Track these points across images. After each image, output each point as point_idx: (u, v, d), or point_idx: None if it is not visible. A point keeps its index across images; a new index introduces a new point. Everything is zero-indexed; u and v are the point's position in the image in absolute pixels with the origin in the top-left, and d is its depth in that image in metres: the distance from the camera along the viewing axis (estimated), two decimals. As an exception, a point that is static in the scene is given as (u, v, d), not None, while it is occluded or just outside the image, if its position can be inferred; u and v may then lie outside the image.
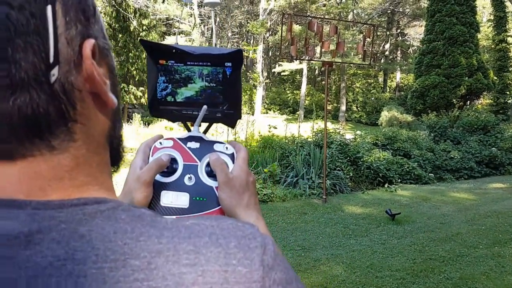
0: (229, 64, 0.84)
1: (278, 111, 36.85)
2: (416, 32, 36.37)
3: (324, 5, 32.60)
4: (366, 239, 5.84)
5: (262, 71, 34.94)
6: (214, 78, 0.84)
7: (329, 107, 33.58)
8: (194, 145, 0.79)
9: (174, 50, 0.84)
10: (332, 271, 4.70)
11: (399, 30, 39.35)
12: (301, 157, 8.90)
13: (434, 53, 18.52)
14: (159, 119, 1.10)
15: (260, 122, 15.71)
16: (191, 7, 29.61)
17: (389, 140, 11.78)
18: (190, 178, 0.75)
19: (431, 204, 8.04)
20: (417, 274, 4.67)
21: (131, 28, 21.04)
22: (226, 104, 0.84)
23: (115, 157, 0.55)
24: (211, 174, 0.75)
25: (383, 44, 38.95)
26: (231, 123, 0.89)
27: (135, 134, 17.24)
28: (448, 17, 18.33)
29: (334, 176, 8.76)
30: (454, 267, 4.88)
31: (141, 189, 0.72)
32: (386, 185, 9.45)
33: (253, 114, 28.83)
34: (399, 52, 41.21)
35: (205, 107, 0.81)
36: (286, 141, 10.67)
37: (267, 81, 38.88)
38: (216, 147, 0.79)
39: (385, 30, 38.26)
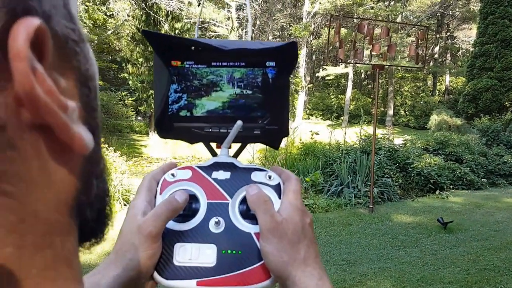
0: (272, 63, 0.64)
1: (321, 117, 36.40)
2: (465, 35, 35.20)
3: (372, 8, 32.04)
4: (417, 250, 5.61)
5: (304, 75, 34.57)
6: (251, 83, 0.65)
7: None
8: (223, 175, 0.60)
9: (193, 48, 0.65)
10: (380, 287, 4.51)
11: (448, 33, 38.21)
12: (347, 164, 8.66)
13: (487, 55, 17.96)
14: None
15: (302, 128, 15.53)
16: (229, 10, 29.56)
17: (440, 145, 11.37)
18: (217, 223, 0.55)
19: (484, 210, 7.68)
20: (471, 286, 4.45)
21: (162, 32, 19.90)
22: (267, 118, 0.65)
23: (92, 231, 0.35)
24: (247, 214, 0.56)
25: (432, 47, 37.91)
26: (274, 143, 0.69)
27: (162, 143, 16.44)
28: (501, 19, 17.74)
29: (382, 184, 8.49)
30: (511, 278, 4.63)
31: (144, 246, 0.52)
32: (437, 192, 9.09)
33: (294, 120, 28.51)
34: (448, 55, 40.05)
35: (239, 122, 0.61)
36: (330, 148, 10.38)
37: (310, 85, 38.51)
38: (255, 176, 0.59)
39: (434, 33, 37.24)
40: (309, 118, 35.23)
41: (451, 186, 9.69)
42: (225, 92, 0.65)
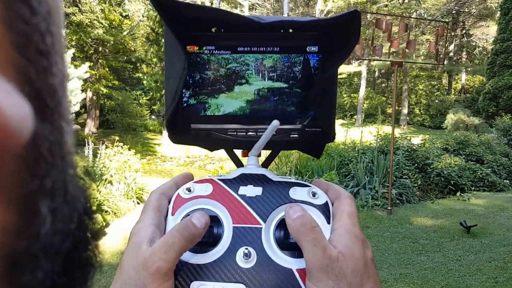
0: (314, 48, 0.52)
1: (334, 116, 36.38)
2: (483, 33, 34.82)
3: (386, 6, 31.85)
4: (439, 255, 5.37)
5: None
6: (287, 73, 0.52)
7: (389, 110, 32.74)
8: (252, 191, 0.47)
9: (214, 29, 0.52)
10: (402, 294, 4.31)
11: (464, 31, 37.81)
12: (363, 164, 8.41)
13: (508, 52, 17.61)
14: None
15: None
16: (242, 10, 29.55)
17: (460, 145, 11.08)
18: (247, 255, 0.42)
19: (509, 214, 7.39)
20: (501, 296, 4.23)
21: None
22: (308, 118, 0.53)
23: None
24: (286, 244, 0.43)
25: (447, 45, 37.53)
26: (315, 150, 0.57)
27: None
28: (524, 15, 17.36)
29: (400, 185, 8.24)
30: (545, 289, 4.37)
31: (151, 286, 0.38)
32: (458, 193, 8.81)
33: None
34: (464, 53, 39.66)
35: (276, 122, 0.48)
36: (345, 147, 10.15)
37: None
38: (294, 193, 0.46)
39: (449, 30, 36.88)
40: (321, 117, 35.14)
41: (472, 188, 9.42)
42: (254, 85, 0.54)
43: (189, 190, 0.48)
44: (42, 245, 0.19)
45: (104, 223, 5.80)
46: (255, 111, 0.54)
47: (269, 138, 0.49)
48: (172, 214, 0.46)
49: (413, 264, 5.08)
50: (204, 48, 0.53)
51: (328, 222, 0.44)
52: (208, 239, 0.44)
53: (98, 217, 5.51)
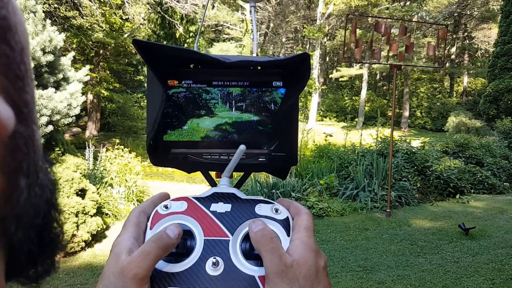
0: (279, 83, 0.59)
1: (335, 118, 36.24)
2: (485, 35, 34.70)
3: (387, 8, 31.76)
4: (437, 257, 5.39)
5: (318, 77, 34.29)
6: (255, 103, 0.60)
7: (390, 113, 32.67)
8: (223, 207, 0.53)
9: (192, 65, 0.59)
10: (399, 295, 4.32)
11: (466, 33, 37.72)
12: (363, 167, 8.43)
13: (509, 55, 17.50)
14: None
15: (315, 130, 15.23)
16: (243, 13, 29.53)
17: (460, 148, 11.09)
18: (215, 264, 0.47)
19: (508, 216, 7.41)
20: (497, 298, 4.24)
21: (177, 35, 20.16)
22: (274, 143, 0.60)
23: (31, 257, 0.27)
24: (251, 254, 0.49)
25: (448, 47, 37.43)
26: (281, 172, 0.64)
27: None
28: (524, 17, 17.32)
29: (399, 187, 8.25)
30: (542, 291, 4.39)
31: None
32: (457, 196, 8.81)
33: (307, 123, 28.32)
34: (466, 55, 39.54)
35: (242, 147, 0.55)
36: (345, 150, 10.17)
37: (323, 87, 38.27)
38: (259, 209, 0.52)
39: (451, 33, 36.79)
40: (322, 120, 35.04)
41: (472, 190, 9.43)
42: (226, 115, 0.60)
43: (166, 207, 0.53)
44: (21, 211, 0.24)
45: (104, 226, 5.78)
46: (227, 137, 0.60)
47: (237, 161, 0.55)
48: (150, 229, 0.51)
49: (411, 266, 5.10)
50: (183, 82, 0.60)
51: (288, 235, 0.50)
52: (181, 250, 0.49)
53: (98, 219, 5.51)
